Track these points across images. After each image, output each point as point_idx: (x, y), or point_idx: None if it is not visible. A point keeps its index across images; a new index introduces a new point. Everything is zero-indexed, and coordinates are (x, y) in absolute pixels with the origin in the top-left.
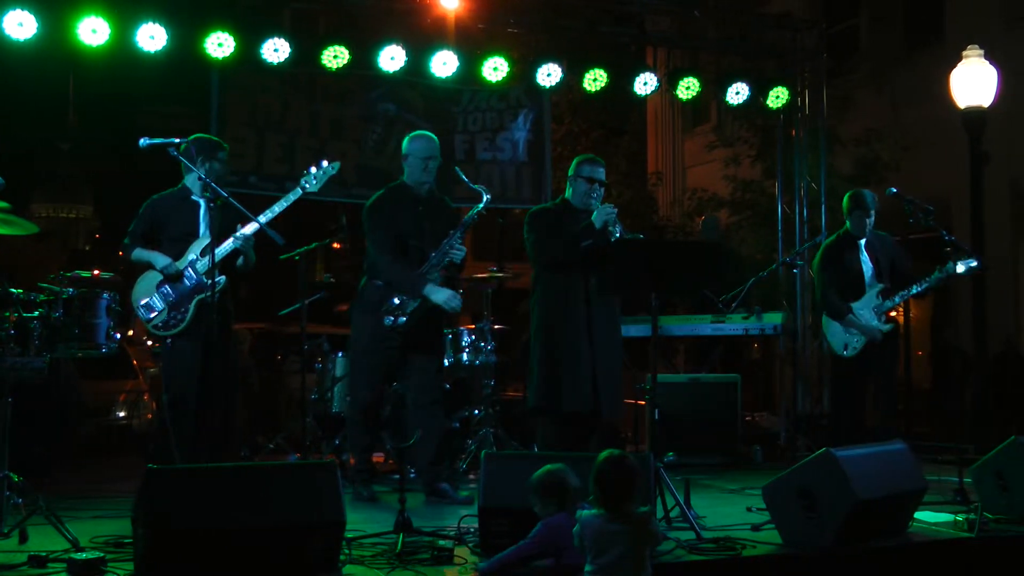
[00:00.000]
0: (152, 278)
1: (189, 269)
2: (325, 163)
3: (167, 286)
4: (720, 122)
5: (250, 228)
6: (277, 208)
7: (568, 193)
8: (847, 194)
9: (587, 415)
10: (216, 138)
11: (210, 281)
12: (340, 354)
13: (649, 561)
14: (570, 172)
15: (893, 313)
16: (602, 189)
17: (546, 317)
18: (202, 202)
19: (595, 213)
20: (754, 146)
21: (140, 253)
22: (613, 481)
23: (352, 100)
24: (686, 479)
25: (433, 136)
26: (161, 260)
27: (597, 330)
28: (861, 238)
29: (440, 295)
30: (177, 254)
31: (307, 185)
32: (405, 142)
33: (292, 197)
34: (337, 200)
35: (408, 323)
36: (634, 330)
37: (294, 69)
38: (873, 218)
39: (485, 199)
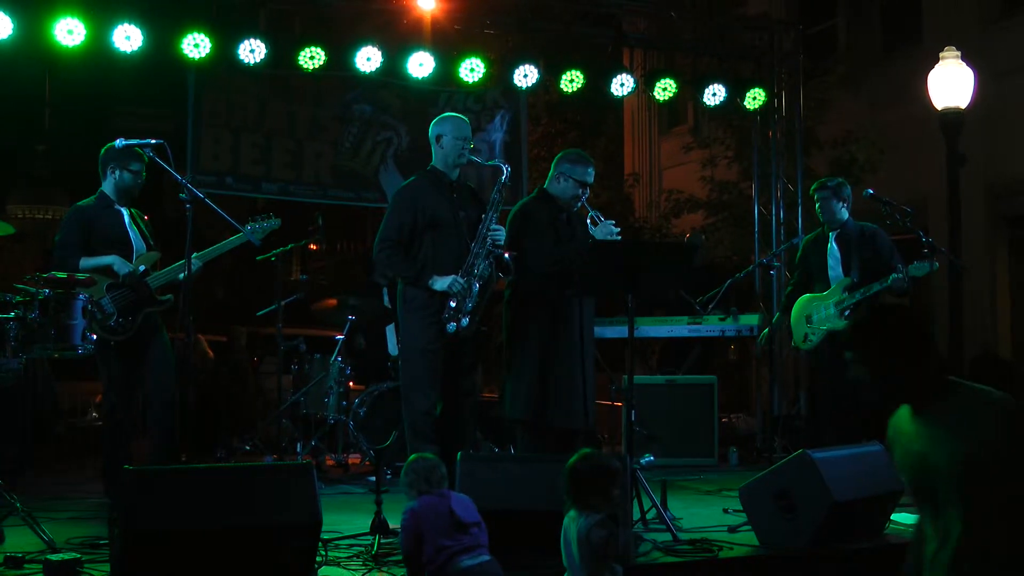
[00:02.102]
0: (99, 282)
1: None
2: (272, 219)
3: (119, 291)
4: (697, 123)
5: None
6: (220, 250)
7: (550, 185)
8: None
9: (573, 428)
10: (136, 147)
11: (166, 296)
12: (317, 355)
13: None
14: (557, 167)
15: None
16: (588, 191)
17: (535, 323)
18: (124, 210)
19: (597, 230)
20: (731, 147)
21: (90, 261)
22: (583, 476)
23: (328, 101)
24: (663, 481)
25: (465, 118)
26: (123, 266)
27: (586, 341)
28: (831, 229)
29: (444, 283)
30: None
31: (252, 235)
32: (434, 125)
33: (235, 242)
34: (313, 201)
35: (471, 324)
36: (610, 332)
37: (270, 70)
38: (837, 203)
39: (506, 171)
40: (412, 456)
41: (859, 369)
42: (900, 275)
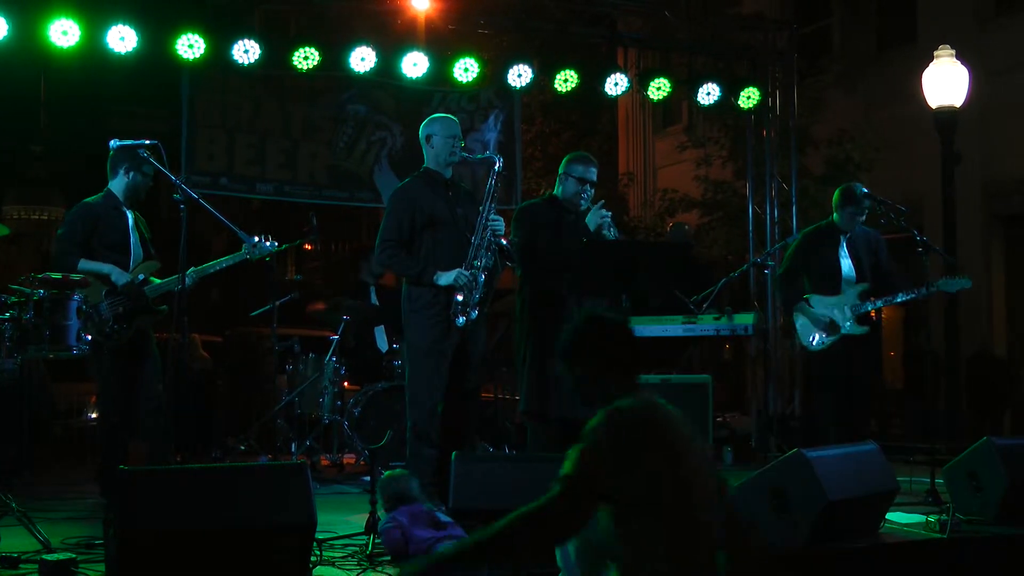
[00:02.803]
0: (97, 288)
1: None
2: (272, 243)
3: (116, 299)
4: (691, 123)
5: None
6: (217, 266)
7: (558, 190)
8: (839, 188)
9: (575, 420)
10: (144, 149)
11: (161, 306)
12: (312, 355)
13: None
14: (561, 169)
15: (873, 314)
16: (592, 189)
17: (538, 319)
18: (129, 214)
19: (589, 216)
20: (725, 147)
21: (88, 264)
22: None
23: (322, 101)
24: None
25: (454, 117)
26: (121, 276)
27: None
28: (846, 233)
29: (448, 277)
30: (113, 264)
31: (251, 254)
32: (423, 126)
33: (236, 258)
34: (307, 201)
35: (480, 316)
36: None
37: (264, 70)
38: (865, 215)
39: (498, 162)
40: (385, 474)
41: (568, 376)
42: (930, 289)
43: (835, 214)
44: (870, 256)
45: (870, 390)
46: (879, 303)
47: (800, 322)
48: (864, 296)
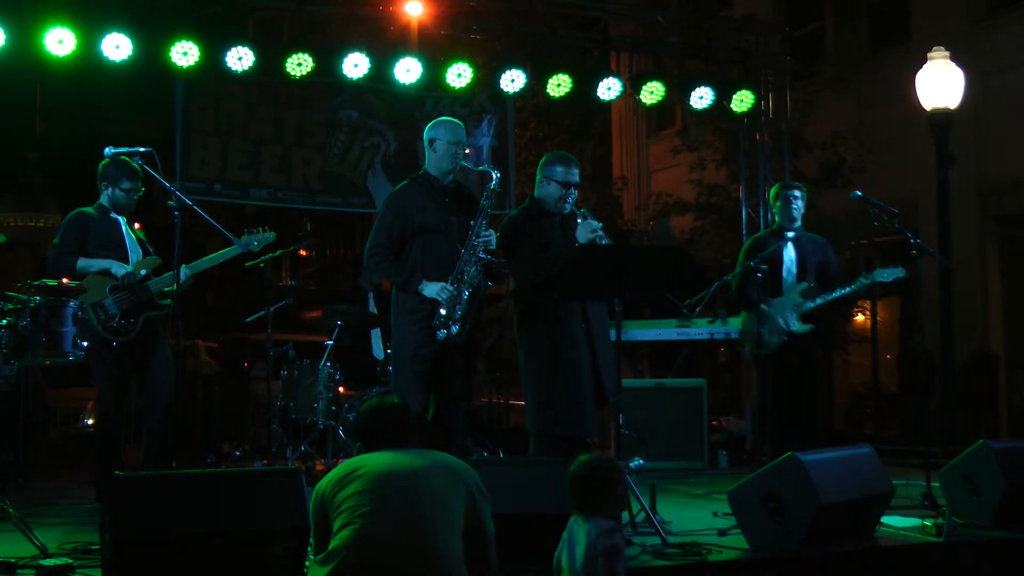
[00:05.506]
0: (101, 284)
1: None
2: (267, 232)
3: (120, 293)
4: (685, 126)
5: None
6: (210, 262)
7: (537, 191)
8: (774, 187)
9: (583, 436)
10: (133, 164)
11: (166, 300)
12: (306, 361)
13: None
14: (539, 172)
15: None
16: (576, 191)
17: (541, 335)
18: (121, 219)
19: (579, 230)
20: (719, 150)
21: (88, 262)
22: (586, 481)
23: (315, 107)
24: (652, 484)
25: (459, 122)
26: (120, 268)
27: (598, 343)
28: (788, 231)
29: (432, 289)
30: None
31: (248, 246)
32: (428, 128)
33: (229, 253)
34: (301, 207)
35: (461, 331)
36: None
37: (258, 77)
38: (800, 208)
39: (495, 177)
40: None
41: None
42: (867, 281)
43: (775, 215)
44: (817, 259)
45: (816, 395)
46: (818, 300)
47: (747, 327)
48: (806, 295)
